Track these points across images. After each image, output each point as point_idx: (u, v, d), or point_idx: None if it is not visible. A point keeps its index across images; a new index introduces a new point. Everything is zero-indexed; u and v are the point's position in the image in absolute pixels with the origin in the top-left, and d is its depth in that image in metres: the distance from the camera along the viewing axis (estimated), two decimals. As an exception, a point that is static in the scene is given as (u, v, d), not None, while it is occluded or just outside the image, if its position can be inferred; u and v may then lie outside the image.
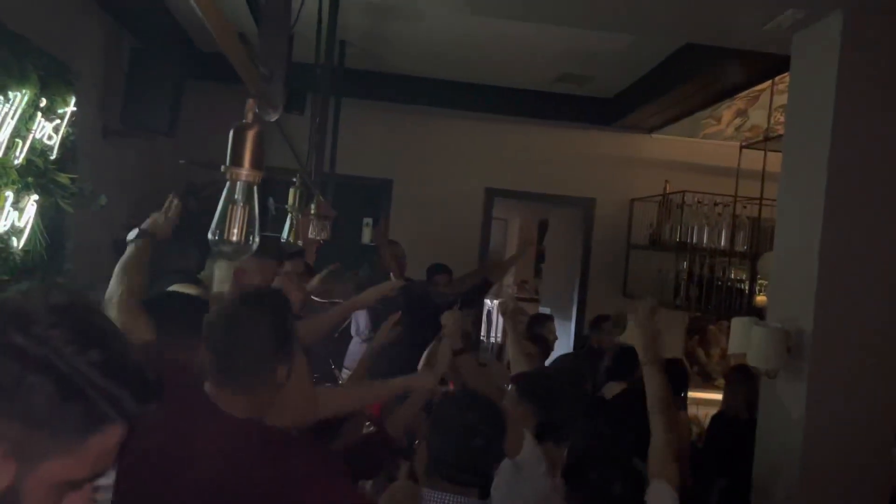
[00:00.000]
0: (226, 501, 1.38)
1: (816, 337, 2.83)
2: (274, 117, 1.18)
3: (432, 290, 4.61)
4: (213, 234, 1.03)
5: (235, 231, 1.02)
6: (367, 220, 6.18)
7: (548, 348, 4.43)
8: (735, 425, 3.67)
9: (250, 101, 1.04)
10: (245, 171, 1.02)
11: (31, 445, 0.68)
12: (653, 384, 2.13)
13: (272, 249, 2.43)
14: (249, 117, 1.04)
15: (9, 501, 0.69)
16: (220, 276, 2.42)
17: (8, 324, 0.67)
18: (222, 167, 1.03)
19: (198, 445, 1.36)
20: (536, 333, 4.32)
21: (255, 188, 1.04)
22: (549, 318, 5.43)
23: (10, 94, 2.98)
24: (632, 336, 2.22)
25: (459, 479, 1.78)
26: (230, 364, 1.47)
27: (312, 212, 3.07)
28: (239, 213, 1.02)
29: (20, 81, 3.03)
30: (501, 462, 2.02)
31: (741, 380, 3.73)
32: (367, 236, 6.16)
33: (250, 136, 1.02)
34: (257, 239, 1.05)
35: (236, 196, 1.02)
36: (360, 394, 2.28)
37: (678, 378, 3.97)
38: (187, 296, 2.08)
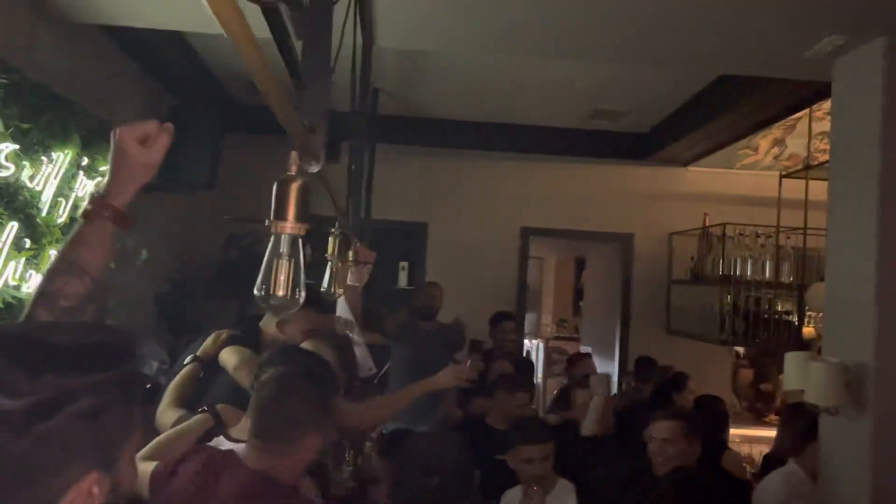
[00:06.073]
0: None
1: (879, 370, 2.71)
2: (316, 169, 1.17)
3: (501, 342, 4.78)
4: (259, 290, 1.01)
5: (282, 285, 1.00)
6: (404, 264, 6.17)
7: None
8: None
9: (293, 154, 1.03)
10: (290, 225, 1.00)
11: (108, 456, 0.79)
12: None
13: (313, 299, 2.43)
14: (293, 170, 1.02)
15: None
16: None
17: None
18: (266, 221, 1.01)
19: (218, 494, 1.51)
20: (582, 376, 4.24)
21: (300, 241, 1.02)
22: (587, 355, 5.28)
23: (54, 155, 3.05)
24: None
25: None
26: (268, 422, 1.61)
27: (350, 258, 3.05)
28: (284, 268, 1.00)
29: (63, 142, 3.10)
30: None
31: (795, 418, 3.57)
32: (402, 280, 6.15)
33: (294, 189, 1.00)
34: (303, 293, 1.03)
35: (281, 250, 1.00)
36: (392, 402, 2.56)
37: (717, 418, 3.80)
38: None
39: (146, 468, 1.63)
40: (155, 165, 1.25)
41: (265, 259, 1.02)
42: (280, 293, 1.00)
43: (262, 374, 1.68)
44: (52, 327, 0.82)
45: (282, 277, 1.00)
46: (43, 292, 1.20)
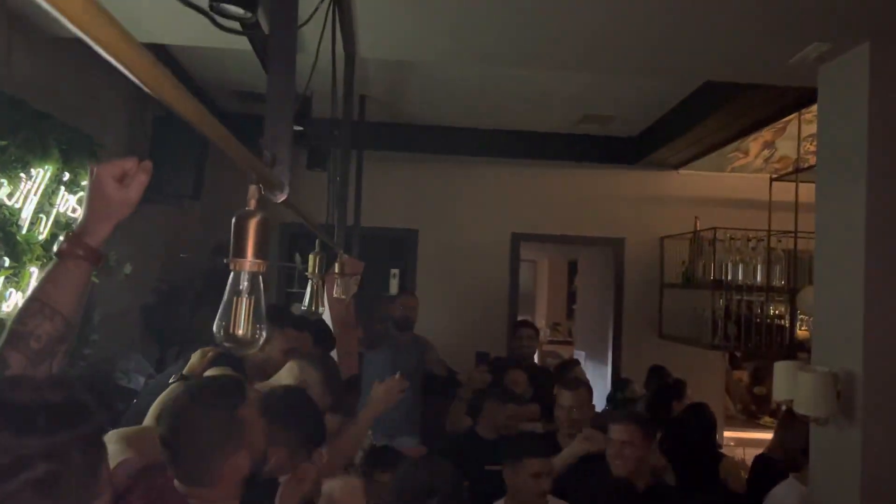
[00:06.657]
0: None
1: (868, 379, 2.68)
2: (281, 198, 1.14)
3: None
4: (219, 330, 0.97)
5: (241, 324, 0.96)
6: (394, 271, 6.14)
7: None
8: (776, 468, 3.48)
9: (252, 188, 1.00)
10: (249, 262, 0.96)
11: None
12: None
13: (289, 318, 2.41)
14: (252, 205, 0.99)
15: None
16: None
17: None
18: (225, 259, 0.98)
19: None
20: (571, 377, 4.21)
21: (261, 277, 0.99)
22: (576, 362, 5.28)
23: (33, 172, 3.01)
24: None
25: None
26: (180, 459, 1.50)
27: (336, 271, 3.02)
28: (244, 305, 0.96)
29: (42, 158, 3.06)
30: None
31: (795, 427, 3.54)
32: (393, 287, 6.12)
33: (253, 224, 0.97)
34: (265, 331, 1.00)
35: (241, 287, 0.97)
36: (354, 436, 2.52)
37: (705, 425, 3.77)
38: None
39: (120, 449, 1.57)
40: (133, 203, 1.24)
41: (225, 296, 0.99)
42: (240, 332, 0.97)
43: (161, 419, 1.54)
44: (12, 383, 0.77)
45: (242, 315, 0.96)
46: (14, 334, 1.17)
